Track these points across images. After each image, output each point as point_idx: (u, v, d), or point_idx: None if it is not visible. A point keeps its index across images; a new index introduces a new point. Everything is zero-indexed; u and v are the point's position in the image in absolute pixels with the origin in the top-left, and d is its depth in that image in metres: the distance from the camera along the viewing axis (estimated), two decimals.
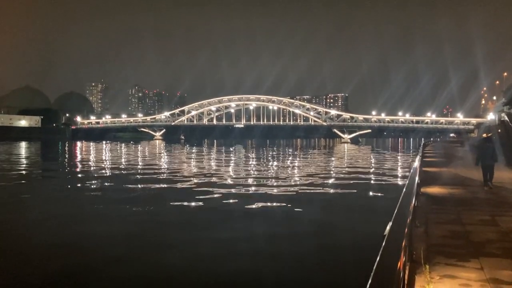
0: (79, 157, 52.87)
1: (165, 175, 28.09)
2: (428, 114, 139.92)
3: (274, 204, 16.42)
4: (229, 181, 25.12)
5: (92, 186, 22.08)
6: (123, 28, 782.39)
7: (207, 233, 11.86)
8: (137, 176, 27.10)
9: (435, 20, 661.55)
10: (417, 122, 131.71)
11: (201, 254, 10.03)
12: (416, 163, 11.90)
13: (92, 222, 13.25)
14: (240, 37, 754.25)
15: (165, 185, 22.23)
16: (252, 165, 37.78)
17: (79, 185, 22.77)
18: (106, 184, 22.97)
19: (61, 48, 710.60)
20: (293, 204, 16.30)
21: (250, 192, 19.34)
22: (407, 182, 6.60)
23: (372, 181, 25.24)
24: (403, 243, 2.93)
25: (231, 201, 17.47)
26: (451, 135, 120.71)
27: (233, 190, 20.72)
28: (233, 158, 50.82)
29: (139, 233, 11.87)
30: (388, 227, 3.39)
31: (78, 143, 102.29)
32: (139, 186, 21.56)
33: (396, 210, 3.94)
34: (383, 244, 2.77)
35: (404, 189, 5.50)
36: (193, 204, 16.32)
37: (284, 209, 15.47)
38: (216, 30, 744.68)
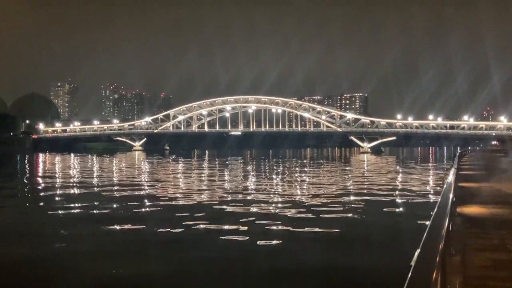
0: (40, 175, 52.86)
1: (142, 200, 27.15)
2: (465, 117, 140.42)
3: (277, 248, 15.28)
4: (221, 205, 25.08)
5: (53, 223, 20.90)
6: (95, 17, 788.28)
7: None
8: (110, 201, 26.49)
9: (473, 3, 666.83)
10: (452, 127, 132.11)
11: None
12: (451, 177, 11.88)
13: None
14: (236, 26, 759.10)
15: (142, 216, 21.65)
16: (251, 184, 37.81)
17: (37, 217, 22.18)
18: (72, 215, 22.32)
19: (20, 40, 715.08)
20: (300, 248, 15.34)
21: (253, 230, 18.10)
22: (439, 200, 6.59)
23: (402, 210, 24.65)
24: (434, 275, 2.91)
25: (225, 235, 16.98)
26: (493, 142, 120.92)
27: (225, 219, 20.64)
28: (227, 174, 50.81)
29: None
30: (415, 255, 3.37)
31: (41, 156, 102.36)
32: (112, 224, 20.27)
33: (425, 234, 3.91)
34: (409, 275, 2.75)
35: (436, 209, 5.48)
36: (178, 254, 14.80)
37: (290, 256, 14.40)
38: (208, 18, 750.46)
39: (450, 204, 6.99)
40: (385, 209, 23.25)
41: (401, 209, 24.16)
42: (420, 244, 3.62)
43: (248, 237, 16.18)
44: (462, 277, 6.20)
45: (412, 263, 3.09)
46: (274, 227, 18.02)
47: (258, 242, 15.29)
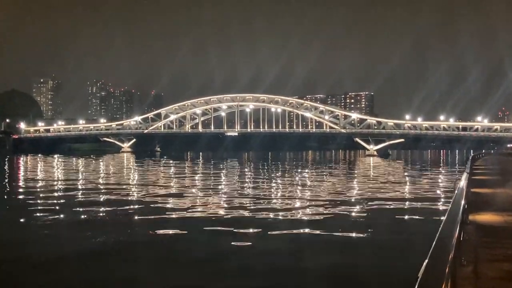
0: (21, 180, 52.64)
1: (130, 210, 26.55)
2: (479, 118, 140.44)
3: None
4: (217, 215, 25.01)
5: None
6: (82, 8, 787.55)
7: None
8: (95, 213, 25.82)
9: None
10: (464, 129, 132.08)
11: None
12: (463, 182, 11.90)
13: None
14: (233, 20, 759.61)
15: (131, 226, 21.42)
16: (249, 191, 37.75)
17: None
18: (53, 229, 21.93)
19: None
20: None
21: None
22: (450, 207, 6.60)
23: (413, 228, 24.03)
24: (443, 287, 2.91)
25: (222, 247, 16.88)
26: (509, 145, 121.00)
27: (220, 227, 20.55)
28: (223, 178, 50.72)
29: None
30: (423, 266, 3.35)
31: (22, 158, 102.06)
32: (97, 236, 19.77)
33: (434, 244, 3.90)
34: (416, 287, 2.75)
35: (446, 216, 5.50)
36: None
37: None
38: (203, 11, 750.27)
39: (461, 211, 6.99)
40: (393, 222, 22.99)
41: (410, 219, 24.12)
42: (429, 254, 3.60)
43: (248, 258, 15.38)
44: None
45: (419, 274, 3.08)
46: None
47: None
